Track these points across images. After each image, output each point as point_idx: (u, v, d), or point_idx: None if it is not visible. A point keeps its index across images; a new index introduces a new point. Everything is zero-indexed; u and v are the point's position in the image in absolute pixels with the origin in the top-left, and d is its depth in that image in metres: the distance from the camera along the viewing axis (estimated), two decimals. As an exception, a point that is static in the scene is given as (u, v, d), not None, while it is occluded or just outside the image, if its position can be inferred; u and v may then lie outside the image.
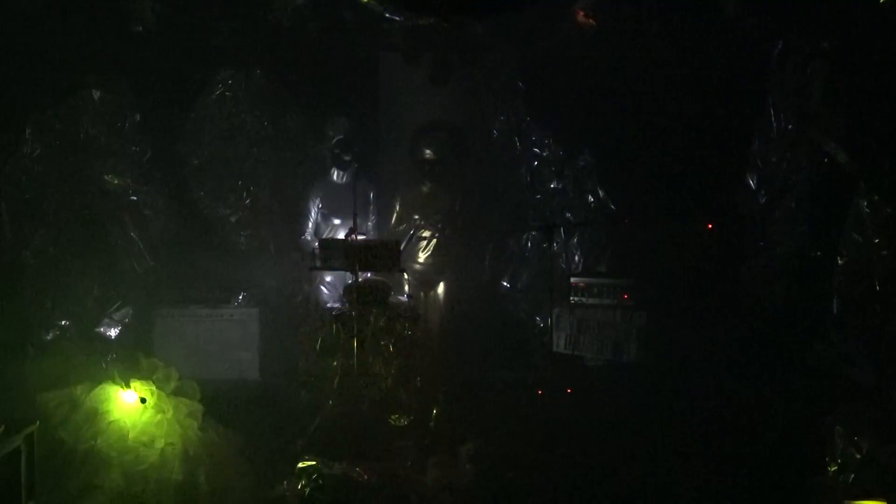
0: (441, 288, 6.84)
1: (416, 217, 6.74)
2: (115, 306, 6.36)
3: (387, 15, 6.17)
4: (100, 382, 5.06)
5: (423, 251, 6.78)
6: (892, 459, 4.19)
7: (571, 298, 6.11)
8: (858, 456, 4.31)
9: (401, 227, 6.74)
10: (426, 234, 6.76)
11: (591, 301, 6.05)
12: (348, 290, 5.80)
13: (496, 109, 7.30)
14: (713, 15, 5.92)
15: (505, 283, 7.28)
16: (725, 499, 4.65)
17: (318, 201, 6.54)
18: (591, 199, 6.90)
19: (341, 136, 6.46)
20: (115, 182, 6.51)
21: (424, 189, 6.78)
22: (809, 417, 4.70)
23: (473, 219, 7.06)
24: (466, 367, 6.40)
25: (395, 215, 6.81)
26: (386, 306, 5.85)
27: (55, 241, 6.19)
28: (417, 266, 6.73)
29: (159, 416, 4.94)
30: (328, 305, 6.24)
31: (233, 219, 6.94)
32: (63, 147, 6.32)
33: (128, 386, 5.01)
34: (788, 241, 5.58)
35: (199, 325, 6.20)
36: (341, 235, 6.26)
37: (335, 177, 6.51)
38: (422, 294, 6.75)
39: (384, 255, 5.74)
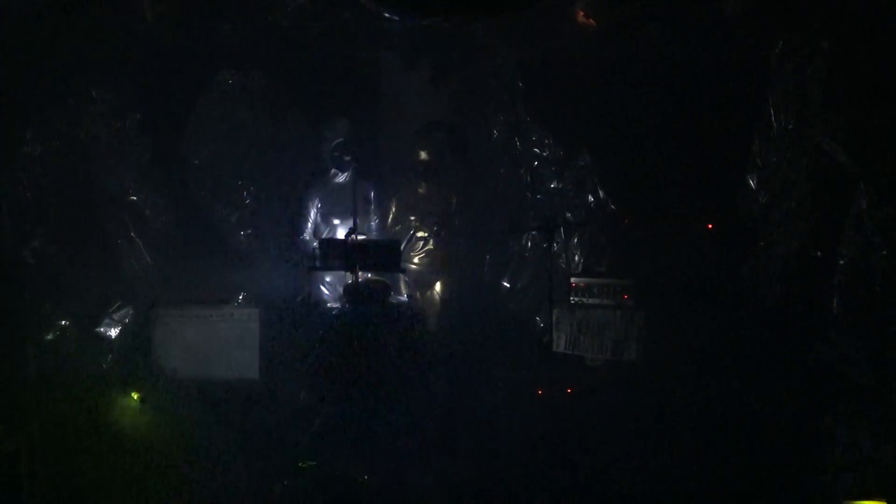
0: (438, 288, 6.83)
1: (412, 217, 6.74)
2: (115, 306, 6.35)
3: (387, 15, 6.17)
4: (100, 382, 5.07)
5: (419, 251, 6.78)
6: (892, 459, 4.20)
7: (571, 298, 6.11)
8: (858, 456, 4.31)
9: (397, 228, 6.74)
10: (423, 234, 6.75)
11: (591, 301, 6.05)
12: (348, 290, 5.79)
13: (496, 109, 7.30)
14: (713, 15, 5.92)
15: (505, 283, 7.28)
16: (725, 499, 4.65)
17: (316, 201, 6.54)
18: (591, 199, 6.90)
19: (341, 139, 6.46)
20: (115, 182, 6.51)
21: (420, 190, 6.78)
22: (809, 417, 4.70)
23: (471, 219, 7.06)
24: (466, 367, 6.39)
25: (391, 216, 6.81)
26: (386, 306, 5.85)
27: (55, 241, 6.19)
28: (414, 266, 6.73)
29: (159, 416, 4.95)
30: (328, 305, 6.24)
31: (233, 219, 6.94)
32: (63, 147, 6.32)
33: (128, 386, 5.03)
34: (788, 241, 5.58)
35: (199, 325, 6.19)
36: (341, 235, 6.26)
37: (334, 177, 6.51)
38: (418, 294, 6.75)
39: (384, 255, 5.74)
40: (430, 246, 6.77)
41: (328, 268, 5.85)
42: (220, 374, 5.97)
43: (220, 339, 6.18)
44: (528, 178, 7.19)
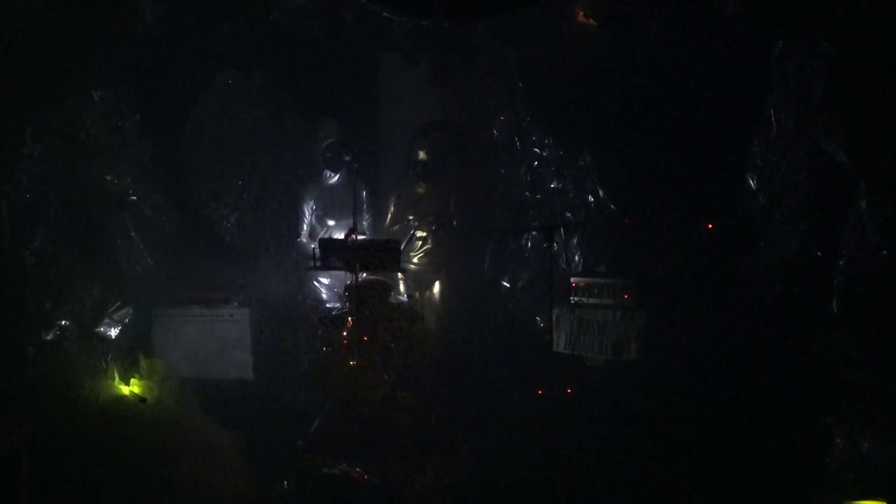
0: (437, 288, 6.83)
1: (411, 217, 6.74)
2: (115, 306, 6.35)
3: (386, 15, 6.17)
4: (100, 382, 5.08)
5: (418, 251, 6.78)
6: (892, 459, 4.19)
7: (571, 298, 6.11)
8: (858, 456, 4.31)
9: (395, 228, 6.74)
10: (422, 234, 6.76)
11: (591, 301, 6.05)
12: (348, 290, 5.80)
13: (496, 109, 7.30)
14: (713, 15, 5.92)
15: (505, 283, 7.28)
16: (725, 498, 4.65)
17: (311, 202, 6.53)
18: (591, 199, 6.90)
19: (332, 140, 6.44)
20: (115, 182, 6.51)
21: (419, 190, 6.78)
22: (809, 417, 4.70)
23: (469, 219, 7.06)
24: (466, 367, 6.40)
25: (389, 216, 6.81)
26: (386, 306, 5.85)
27: (55, 241, 6.18)
28: (413, 266, 6.74)
29: (159, 416, 4.95)
30: (328, 305, 6.24)
31: (233, 219, 6.95)
32: (63, 147, 6.32)
33: (128, 385, 5.03)
34: (788, 241, 5.58)
35: (199, 325, 6.20)
36: (337, 235, 6.26)
37: (328, 179, 6.50)
38: (417, 294, 6.75)
39: (384, 255, 5.75)
40: (428, 245, 6.77)
41: (328, 267, 5.85)
42: (219, 374, 5.98)
43: (220, 339, 6.19)
44: (528, 178, 7.19)
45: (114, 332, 6.34)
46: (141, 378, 5.10)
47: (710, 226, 6.13)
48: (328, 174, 6.49)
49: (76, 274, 6.25)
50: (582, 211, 6.93)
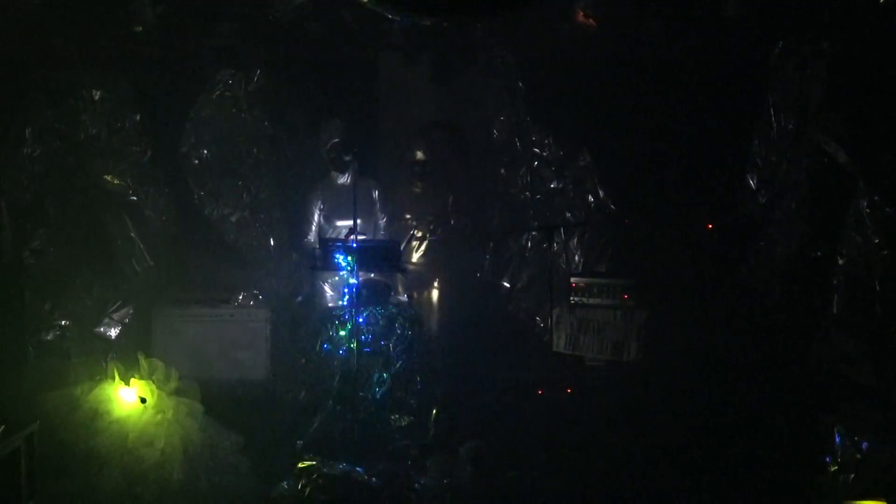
0: (437, 288, 6.83)
1: (408, 217, 6.73)
2: (115, 306, 6.35)
3: (387, 15, 6.17)
4: (100, 382, 5.07)
5: (416, 251, 6.78)
6: (892, 459, 4.19)
7: (571, 298, 6.10)
8: (858, 456, 4.31)
9: (392, 228, 6.74)
10: (421, 234, 6.75)
11: (591, 301, 6.04)
12: (348, 290, 5.79)
13: (496, 109, 7.30)
14: (713, 15, 5.92)
15: (505, 283, 7.28)
16: (725, 499, 4.65)
17: (318, 204, 6.51)
18: (591, 199, 6.90)
19: (337, 140, 6.42)
20: (115, 182, 6.50)
21: (416, 190, 6.78)
22: (809, 417, 4.70)
23: (467, 219, 7.05)
24: (466, 367, 6.39)
25: (388, 216, 6.81)
26: (386, 306, 5.85)
27: (55, 241, 6.18)
28: (411, 266, 6.73)
29: (159, 416, 4.95)
30: (328, 305, 6.23)
31: (233, 219, 6.93)
32: (63, 147, 6.32)
33: (128, 385, 5.03)
34: (788, 241, 5.58)
35: (199, 325, 6.20)
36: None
37: (335, 179, 6.49)
38: (415, 294, 6.75)
39: (384, 255, 5.74)
40: (423, 246, 6.76)
41: (329, 268, 5.85)
42: (219, 375, 5.97)
43: (220, 339, 6.19)
44: (528, 178, 7.19)
45: (114, 332, 6.33)
46: (141, 378, 5.09)
47: (710, 226, 6.13)
48: (334, 175, 6.48)
49: (76, 274, 6.25)
50: (582, 211, 6.93)
